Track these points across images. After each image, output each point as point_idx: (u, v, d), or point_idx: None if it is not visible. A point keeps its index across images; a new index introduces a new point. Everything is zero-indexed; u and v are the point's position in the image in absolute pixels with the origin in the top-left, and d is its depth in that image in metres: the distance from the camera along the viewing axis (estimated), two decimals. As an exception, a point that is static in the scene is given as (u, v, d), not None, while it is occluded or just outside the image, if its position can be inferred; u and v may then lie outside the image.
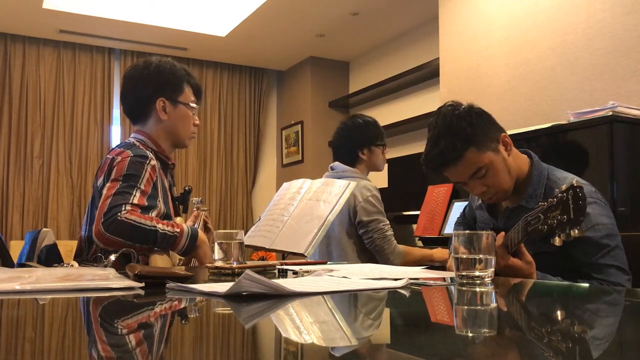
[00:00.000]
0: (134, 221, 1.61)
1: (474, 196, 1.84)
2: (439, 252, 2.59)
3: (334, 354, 0.61)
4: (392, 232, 2.49)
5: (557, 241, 1.18)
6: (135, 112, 1.92)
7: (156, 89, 1.88)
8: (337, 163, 2.64)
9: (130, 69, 1.92)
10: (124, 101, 1.94)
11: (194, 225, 1.97)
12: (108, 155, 1.81)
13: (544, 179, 1.57)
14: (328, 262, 1.91)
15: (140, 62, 1.93)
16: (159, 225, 1.65)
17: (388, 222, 2.50)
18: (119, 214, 1.60)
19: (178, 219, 1.96)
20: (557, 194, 1.20)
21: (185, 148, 2.06)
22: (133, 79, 1.90)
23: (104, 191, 1.68)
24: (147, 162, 1.75)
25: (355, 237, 2.50)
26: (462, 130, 1.52)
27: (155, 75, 1.88)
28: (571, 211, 1.15)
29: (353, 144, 2.61)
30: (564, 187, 1.19)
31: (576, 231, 1.15)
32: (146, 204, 1.68)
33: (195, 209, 2.05)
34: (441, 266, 2.58)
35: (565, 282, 1.38)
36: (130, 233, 1.60)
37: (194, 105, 1.96)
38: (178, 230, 1.70)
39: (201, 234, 1.76)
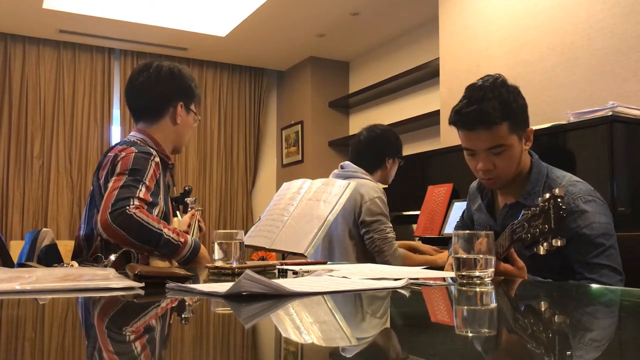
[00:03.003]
0: (143, 219, 1.61)
1: (472, 197, 1.84)
2: (441, 258, 2.53)
3: (334, 354, 0.61)
4: (394, 236, 2.49)
5: (541, 250, 1.19)
6: (149, 110, 1.92)
7: (179, 92, 1.93)
8: (348, 162, 2.63)
9: (155, 68, 1.92)
10: (140, 96, 1.93)
11: (190, 224, 1.98)
12: (109, 153, 1.81)
13: (543, 177, 1.58)
14: (328, 262, 1.91)
15: (163, 63, 1.95)
16: (165, 230, 1.66)
17: (391, 225, 2.50)
18: (128, 207, 1.60)
19: (175, 220, 1.96)
20: (539, 203, 1.20)
21: (177, 154, 2.09)
22: (158, 78, 1.90)
23: (110, 184, 1.68)
24: (152, 158, 1.77)
25: (358, 238, 2.50)
26: (508, 103, 1.53)
27: (180, 80, 1.93)
28: (552, 221, 1.16)
29: (383, 150, 2.63)
30: (547, 195, 1.19)
31: (558, 241, 1.15)
32: (150, 199, 1.69)
33: (190, 209, 2.06)
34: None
35: (563, 282, 1.38)
36: (137, 230, 1.60)
37: (198, 116, 2.04)
38: (182, 240, 1.70)
39: (203, 249, 1.76)
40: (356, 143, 2.70)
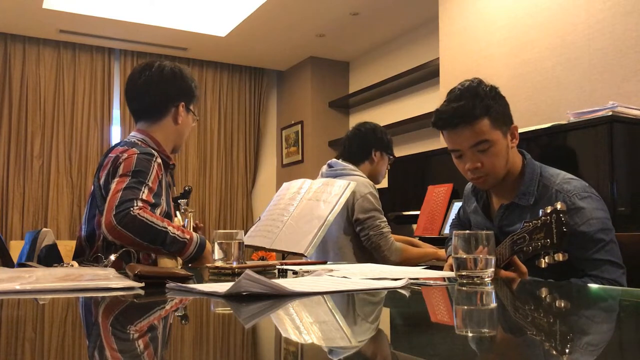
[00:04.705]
0: (147, 219, 1.61)
1: (467, 200, 1.84)
2: (443, 252, 2.56)
3: (334, 354, 0.61)
4: (390, 230, 2.48)
5: (542, 263, 1.19)
6: (150, 109, 1.93)
7: (181, 92, 1.94)
8: (335, 160, 2.63)
9: (157, 67, 1.93)
10: (141, 96, 1.93)
11: (184, 224, 1.99)
12: (110, 154, 1.81)
13: (536, 176, 1.58)
14: (327, 262, 1.91)
15: (165, 63, 1.96)
16: (170, 228, 1.66)
17: (385, 219, 2.49)
18: (132, 209, 1.60)
19: (176, 219, 1.96)
20: (541, 216, 1.20)
21: (176, 153, 2.10)
22: (160, 78, 1.91)
23: (113, 185, 1.68)
24: (154, 159, 1.77)
25: (352, 235, 2.50)
26: (486, 99, 1.55)
27: (182, 80, 1.95)
28: (554, 236, 1.16)
29: (370, 141, 2.66)
30: (548, 209, 1.20)
31: (560, 256, 1.16)
32: (153, 201, 1.69)
33: (183, 210, 2.06)
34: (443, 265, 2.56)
35: (565, 282, 1.38)
36: (142, 230, 1.61)
37: (197, 116, 2.06)
38: (188, 237, 1.70)
39: (208, 245, 1.76)
40: (345, 138, 2.74)
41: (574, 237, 1.41)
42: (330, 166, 2.63)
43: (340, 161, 2.62)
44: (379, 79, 5.12)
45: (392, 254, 2.43)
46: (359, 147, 2.65)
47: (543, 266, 1.19)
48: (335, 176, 2.48)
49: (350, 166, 2.57)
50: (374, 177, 2.66)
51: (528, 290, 1.23)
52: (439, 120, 1.59)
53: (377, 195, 2.52)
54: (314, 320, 0.81)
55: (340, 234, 2.49)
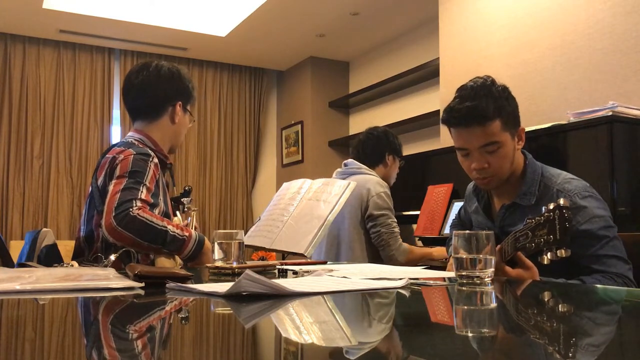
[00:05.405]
0: (146, 219, 1.61)
1: (468, 200, 1.84)
2: (437, 251, 2.66)
3: (334, 354, 0.61)
4: (399, 231, 2.55)
5: (545, 260, 1.19)
6: (148, 108, 1.93)
7: (178, 92, 1.95)
8: (351, 160, 2.71)
9: (155, 67, 1.93)
10: (139, 95, 1.93)
11: (186, 223, 1.99)
12: (108, 155, 1.81)
13: (538, 176, 1.59)
14: (329, 262, 1.91)
15: (162, 63, 1.97)
16: (169, 227, 1.66)
17: (396, 220, 2.57)
18: (131, 209, 1.60)
19: (175, 219, 1.96)
20: (544, 213, 1.20)
21: (173, 154, 2.10)
22: (158, 77, 1.92)
23: (111, 187, 1.68)
24: (150, 159, 1.77)
25: (365, 231, 2.57)
26: (499, 100, 1.54)
27: (179, 80, 1.96)
28: (557, 232, 1.16)
29: (383, 145, 2.75)
30: (551, 205, 1.19)
31: (563, 252, 1.16)
32: (152, 201, 1.69)
33: (186, 209, 2.06)
34: (441, 265, 2.60)
35: (566, 282, 1.38)
36: (142, 230, 1.61)
37: (193, 117, 2.08)
38: (187, 234, 1.71)
39: (206, 241, 1.77)
40: (357, 142, 2.82)
41: (577, 236, 1.41)
42: (345, 165, 2.72)
43: (355, 161, 2.71)
44: (379, 79, 5.12)
45: (400, 254, 2.50)
46: (374, 150, 2.74)
47: (545, 262, 1.19)
48: (350, 174, 2.58)
49: (366, 167, 2.66)
50: (385, 180, 2.74)
51: (528, 290, 1.22)
52: (452, 117, 1.57)
53: (390, 196, 2.60)
54: (314, 320, 0.80)
55: (352, 230, 2.55)
